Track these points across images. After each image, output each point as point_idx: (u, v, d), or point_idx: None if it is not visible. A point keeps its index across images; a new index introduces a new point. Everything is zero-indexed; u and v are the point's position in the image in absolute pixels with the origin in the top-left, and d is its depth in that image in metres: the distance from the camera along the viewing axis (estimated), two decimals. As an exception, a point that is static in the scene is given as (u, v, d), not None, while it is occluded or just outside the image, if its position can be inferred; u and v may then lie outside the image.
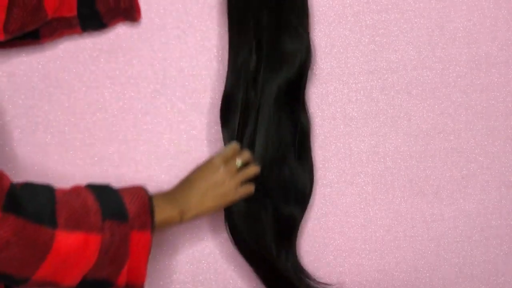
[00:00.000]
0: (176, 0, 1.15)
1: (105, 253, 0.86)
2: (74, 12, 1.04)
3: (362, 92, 1.21)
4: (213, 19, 1.16)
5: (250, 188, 1.07)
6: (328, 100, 1.21)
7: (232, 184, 1.04)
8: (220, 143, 1.17)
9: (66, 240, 0.82)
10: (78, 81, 1.15)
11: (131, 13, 1.09)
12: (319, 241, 1.23)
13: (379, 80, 1.21)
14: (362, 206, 1.24)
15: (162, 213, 0.95)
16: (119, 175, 1.17)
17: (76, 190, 0.88)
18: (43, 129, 1.15)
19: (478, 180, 1.26)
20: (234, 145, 1.08)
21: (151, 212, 0.92)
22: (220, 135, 1.15)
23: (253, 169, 1.08)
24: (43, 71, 1.14)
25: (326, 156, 1.21)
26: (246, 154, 1.08)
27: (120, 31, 1.14)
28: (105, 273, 0.88)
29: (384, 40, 1.21)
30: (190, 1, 1.15)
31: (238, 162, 1.06)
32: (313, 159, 1.18)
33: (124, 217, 0.89)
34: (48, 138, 1.15)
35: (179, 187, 1.02)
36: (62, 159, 1.15)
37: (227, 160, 1.05)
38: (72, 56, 1.14)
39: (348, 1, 1.19)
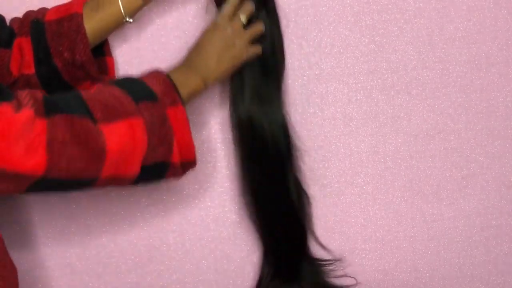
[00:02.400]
0: (176, 0, 1.15)
1: (152, 133, 0.88)
2: (32, 70, 1.00)
3: (362, 92, 1.21)
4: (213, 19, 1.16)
5: (259, 48, 1.06)
6: (328, 100, 1.21)
7: (242, 43, 1.03)
8: (220, 144, 1.17)
9: (112, 131, 0.84)
10: (78, 81, 1.15)
11: (90, 68, 1.02)
12: (319, 241, 1.23)
13: (379, 80, 1.21)
14: (362, 206, 1.24)
15: (186, 86, 0.96)
16: (119, 175, 1.17)
17: (98, 88, 0.89)
18: (43, 129, 1.14)
19: (478, 180, 1.26)
20: (232, 1, 1.05)
21: (175, 88, 0.93)
22: (220, 135, 1.15)
23: (259, 26, 1.06)
24: (43, 71, 1.14)
25: (326, 156, 1.21)
26: (248, 7, 1.05)
27: (120, 31, 1.14)
28: (159, 154, 0.90)
29: (384, 40, 1.21)
30: (190, 1, 1.15)
31: (243, 18, 1.04)
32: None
33: (154, 98, 0.90)
34: (48, 138, 1.15)
35: (192, 56, 1.02)
36: (62, 159, 1.15)
37: (231, 18, 1.04)
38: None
39: (348, 1, 1.19)
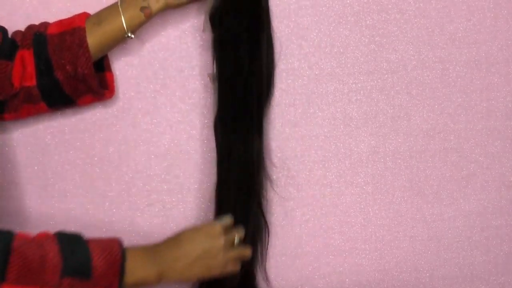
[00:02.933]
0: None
1: None
2: (33, 82, 1.00)
3: (362, 92, 1.21)
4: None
5: (237, 268, 1.02)
6: (328, 100, 1.21)
7: (225, 259, 0.98)
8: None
9: None
10: (78, 81, 1.15)
11: (91, 82, 1.03)
12: (319, 241, 1.23)
13: (379, 80, 1.21)
14: (362, 206, 1.24)
15: (136, 272, 0.90)
16: (119, 175, 1.17)
17: (40, 240, 0.85)
18: (43, 129, 1.14)
19: (478, 180, 1.26)
20: (230, 218, 1.03)
21: (120, 272, 0.88)
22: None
23: (248, 251, 1.03)
24: (43, 71, 1.14)
25: (326, 156, 1.21)
26: (242, 232, 1.03)
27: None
28: None
29: (384, 40, 1.21)
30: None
31: (237, 238, 1.01)
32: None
33: (87, 275, 0.85)
34: (48, 138, 1.15)
35: (167, 244, 0.96)
36: (62, 159, 1.15)
37: (227, 231, 1.01)
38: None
39: (348, 1, 1.19)
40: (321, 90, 1.20)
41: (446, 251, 1.27)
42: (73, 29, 1.01)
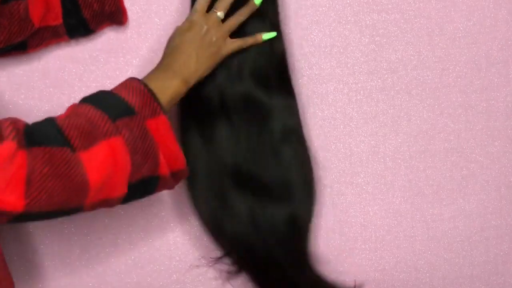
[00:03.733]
0: (176, 0, 1.15)
1: (134, 150, 0.85)
2: (59, 21, 1.03)
3: (362, 92, 1.21)
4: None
5: (240, 42, 1.03)
6: (328, 100, 1.21)
7: (220, 38, 0.99)
8: (220, 143, 1.17)
9: (92, 157, 0.80)
10: (78, 81, 1.15)
11: (117, 17, 1.07)
12: (319, 241, 1.23)
13: (379, 80, 1.21)
14: (362, 206, 1.24)
15: (166, 91, 0.92)
16: (119, 175, 1.17)
17: (73, 111, 0.86)
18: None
19: (478, 180, 1.26)
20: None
21: (154, 98, 0.89)
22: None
23: (236, 19, 1.02)
24: (43, 71, 1.14)
25: (326, 156, 1.21)
26: (224, 1, 1.01)
27: (120, 32, 1.14)
28: (146, 170, 0.87)
29: (384, 40, 1.21)
30: (190, 1, 1.15)
31: (220, 14, 1.00)
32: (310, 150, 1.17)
33: (132, 112, 0.87)
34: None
35: (171, 57, 0.97)
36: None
37: (205, 14, 1.00)
38: (72, 56, 1.14)
39: (348, 1, 1.19)
40: (321, 90, 1.20)
41: (446, 251, 1.27)
42: None
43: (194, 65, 0.96)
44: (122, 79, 1.15)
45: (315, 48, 1.19)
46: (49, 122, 0.83)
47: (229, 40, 1.02)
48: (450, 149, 1.24)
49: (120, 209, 1.18)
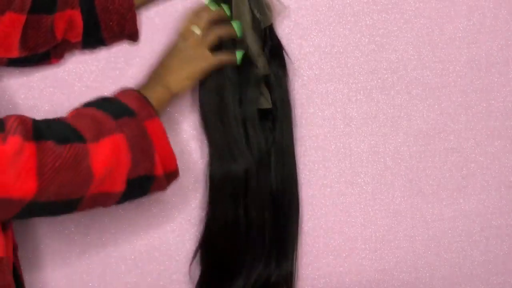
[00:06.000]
0: (176, 1, 1.15)
1: (134, 147, 0.90)
2: (79, 38, 1.08)
3: (362, 92, 1.21)
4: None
5: (226, 55, 1.06)
6: (328, 100, 1.21)
7: (200, 53, 1.03)
8: (220, 143, 1.17)
9: (98, 150, 0.85)
10: (78, 81, 1.15)
11: (133, 37, 1.12)
12: (319, 241, 1.23)
13: (379, 80, 1.21)
14: (362, 206, 1.24)
15: (155, 98, 0.98)
16: (119, 175, 1.17)
17: (77, 113, 0.91)
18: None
19: (478, 180, 1.26)
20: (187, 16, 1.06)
21: (147, 102, 0.95)
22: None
23: (215, 32, 1.04)
24: (43, 71, 1.14)
25: (326, 156, 1.21)
26: (202, 17, 1.05)
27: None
28: (143, 168, 0.91)
29: (384, 40, 1.21)
30: (190, 1, 1.15)
31: (196, 29, 1.03)
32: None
33: (132, 113, 0.92)
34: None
35: (158, 67, 1.03)
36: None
37: (184, 35, 1.04)
38: (72, 56, 1.14)
39: (348, 1, 1.19)
40: (321, 90, 1.20)
41: (446, 251, 1.27)
42: None
43: (174, 74, 1.01)
44: (122, 79, 1.15)
45: (315, 48, 1.19)
46: (57, 120, 0.88)
47: (208, 55, 1.04)
48: (450, 149, 1.24)
49: (120, 209, 1.18)
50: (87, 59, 1.15)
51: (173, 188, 1.18)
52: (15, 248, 0.95)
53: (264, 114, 1.11)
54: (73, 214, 1.17)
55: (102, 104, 0.94)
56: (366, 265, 1.25)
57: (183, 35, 1.04)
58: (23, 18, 0.99)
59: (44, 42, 1.04)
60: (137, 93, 0.96)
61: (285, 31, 1.17)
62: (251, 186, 1.10)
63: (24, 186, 0.78)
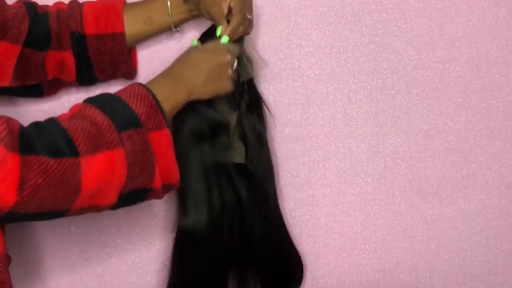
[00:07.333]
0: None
1: (133, 163, 0.85)
2: (73, 78, 1.07)
3: (362, 92, 1.21)
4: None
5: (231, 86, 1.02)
6: (328, 100, 1.21)
7: (229, 75, 1.00)
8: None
9: (92, 165, 0.80)
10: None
11: (128, 77, 1.12)
12: (319, 241, 1.23)
13: (379, 80, 1.21)
14: (362, 206, 1.24)
15: (170, 100, 0.93)
16: (119, 175, 1.17)
17: (79, 112, 0.85)
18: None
19: (478, 180, 1.26)
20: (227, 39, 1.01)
21: (160, 110, 0.89)
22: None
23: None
24: (43, 71, 1.14)
25: (326, 156, 1.21)
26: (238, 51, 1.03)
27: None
28: (139, 182, 0.87)
29: (384, 40, 1.21)
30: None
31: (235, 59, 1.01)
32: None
33: (138, 123, 0.86)
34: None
35: (182, 67, 0.98)
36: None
37: (233, 45, 1.02)
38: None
39: (348, 1, 1.19)
40: (321, 90, 1.20)
41: (446, 251, 1.27)
42: (113, 35, 1.05)
43: (200, 83, 0.97)
44: (122, 79, 1.15)
45: (315, 48, 1.19)
46: (53, 123, 0.82)
47: (230, 81, 1.01)
48: (450, 149, 1.24)
49: (120, 209, 1.17)
50: (87, 59, 1.14)
51: (173, 188, 1.18)
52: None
53: (240, 169, 1.07)
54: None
55: (109, 106, 0.87)
56: (366, 265, 1.25)
57: (228, 47, 1.00)
58: (17, 48, 0.97)
59: (34, 76, 1.02)
60: (151, 97, 0.89)
61: (285, 31, 1.17)
62: (207, 239, 1.06)
63: (2, 197, 0.74)
